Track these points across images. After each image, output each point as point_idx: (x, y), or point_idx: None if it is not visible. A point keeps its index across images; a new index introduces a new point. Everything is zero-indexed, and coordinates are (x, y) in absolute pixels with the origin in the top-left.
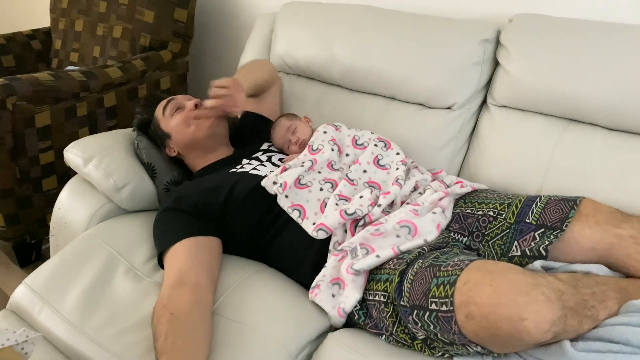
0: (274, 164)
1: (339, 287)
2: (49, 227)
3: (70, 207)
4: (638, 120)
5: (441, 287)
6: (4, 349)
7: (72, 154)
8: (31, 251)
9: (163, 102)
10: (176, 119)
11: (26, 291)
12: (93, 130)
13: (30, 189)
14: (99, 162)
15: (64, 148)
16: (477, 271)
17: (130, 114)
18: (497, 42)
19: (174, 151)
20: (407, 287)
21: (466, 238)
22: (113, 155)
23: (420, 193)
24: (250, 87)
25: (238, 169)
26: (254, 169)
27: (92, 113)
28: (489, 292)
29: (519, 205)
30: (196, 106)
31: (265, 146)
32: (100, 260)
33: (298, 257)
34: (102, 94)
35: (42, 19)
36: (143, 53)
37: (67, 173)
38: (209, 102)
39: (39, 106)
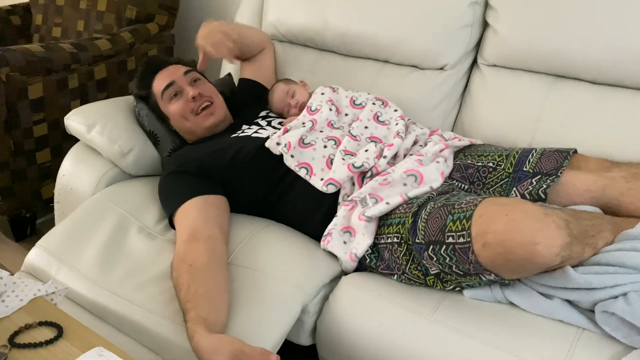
0: (274, 127)
1: (350, 235)
2: (43, 200)
3: (75, 173)
4: (620, 73)
5: (457, 222)
6: (35, 299)
7: (74, 121)
8: (26, 225)
9: (161, 83)
10: (174, 106)
11: (41, 252)
12: (84, 103)
13: (24, 162)
14: (103, 128)
15: (57, 120)
16: (492, 204)
17: (120, 87)
18: (486, 4)
19: (173, 128)
20: (422, 225)
21: (467, 186)
22: (116, 122)
23: (421, 146)
24: (237, 34)
25: (239, 134)
26: (255, 132)
27: (83, 85)
28: (505, 221)
29: (516, 157)
30: (194, 98)
31: (263, 113)
32: (112, 220)
33: (308, 212)
34: (92, 67)
35: None
36: (129, 26)
37: (60, 146)
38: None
39: (31, 77)
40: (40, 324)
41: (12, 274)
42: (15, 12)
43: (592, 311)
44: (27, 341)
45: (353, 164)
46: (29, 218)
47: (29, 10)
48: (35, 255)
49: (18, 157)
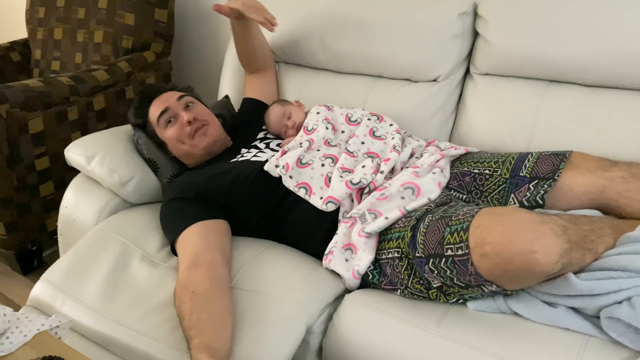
0: (272, 150)
1: (351, 252)
2: (48, 232)
3: (77, 204)
4: (613, 74)
5: (455, 234)
6: (39, 334)
7: (74, 153)
8: (33, 258)
9: (156, 110)
10: (170, 131)
11: (46, 286)
12: (85, 134)
13: (28, 196)
14: (102, 159)
15: (58, 153)
16: (487, 215)
17: (119, 116)
18: (475, 14)
19: (172, 155)
20: (421, 239)
21: (465, 195)
22: (115, 152)
23: (417, 158)
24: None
25: (239, 159)
26: (255, 156)
27: (82, 117)
28: (500, 231)
29: (512, 162)
30: (189, 122)
31: (261, 135)
32: (115, 250)
33: (309, 230)
34: (91, 98)
35: (18, 31)
36: (126, 55)
37: (62, 178)
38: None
39: (31, 112)
40: (45, 359)
41: (18, 309)
42: (14, 48)
43: (598, 317)
44: None
45: (351, 181)
46: (35, 251)
47: (28, 45)
48: (40, 289)
49: (21, 192)
